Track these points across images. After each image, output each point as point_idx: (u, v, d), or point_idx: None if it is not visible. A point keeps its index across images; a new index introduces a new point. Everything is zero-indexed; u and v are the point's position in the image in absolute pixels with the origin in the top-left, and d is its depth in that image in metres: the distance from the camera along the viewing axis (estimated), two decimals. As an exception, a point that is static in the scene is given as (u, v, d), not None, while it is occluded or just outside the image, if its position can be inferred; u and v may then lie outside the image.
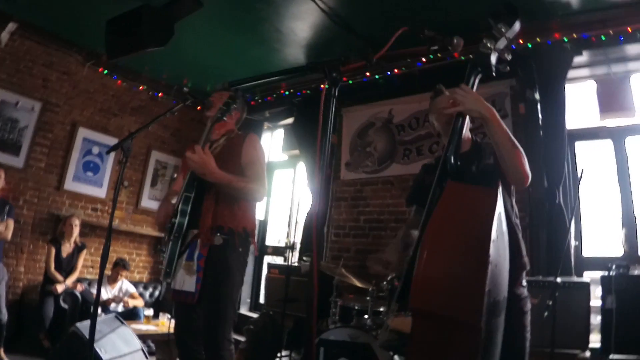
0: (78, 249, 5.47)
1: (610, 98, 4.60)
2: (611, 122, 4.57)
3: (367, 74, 5.54)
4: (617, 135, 4.55)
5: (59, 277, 5.15)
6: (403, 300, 1.90)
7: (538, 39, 4.56)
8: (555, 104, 4.40)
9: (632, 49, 4.37)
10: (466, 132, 2.31)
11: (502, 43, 2.02)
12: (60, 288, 5.08)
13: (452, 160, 1.92)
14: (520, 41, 4.64)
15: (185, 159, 3.03)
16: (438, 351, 1.56)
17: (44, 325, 4.90)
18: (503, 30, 2.02)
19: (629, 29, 4.13)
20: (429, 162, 2.60)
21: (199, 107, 7.16)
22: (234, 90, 3.04)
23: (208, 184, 2.67)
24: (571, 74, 4.55)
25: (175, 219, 2.65)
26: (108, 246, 2.50)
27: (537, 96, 4.54)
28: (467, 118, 2.10)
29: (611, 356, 3.23)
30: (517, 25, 2.04)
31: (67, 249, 5.36)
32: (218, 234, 2.64)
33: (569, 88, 4.54)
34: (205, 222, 2.66)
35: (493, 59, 2.01)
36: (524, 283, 2.22)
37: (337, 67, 1.72)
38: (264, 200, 6.28)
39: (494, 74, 2.04)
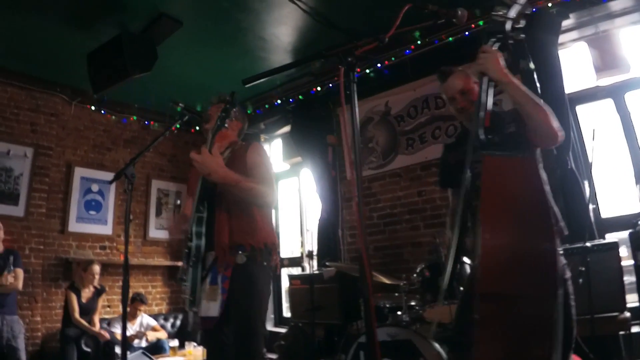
0: (98, 293, 5.33)
1: (603, 57, 4.53)
2: (608, 80, 4.51)
3: (358, 69, 5.47)
4: (616, 93, 4.49)
5: (86, 324, 5.03)
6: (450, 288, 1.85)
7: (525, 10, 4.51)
8: (551, 71, 4.33)
9: (616, 4, 4.32)
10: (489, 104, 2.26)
11: (514, 10, 2.07)
12: (106, 334, 5.00)
13: (482, 135, 1.89)
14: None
15: (191, 175, 2.94)
16: (513, 332, 1.45)
17: None
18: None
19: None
20: (449, 142, 2.66)
21: (192, 130, 7.09)
22: (229, 100, 2.95)
23: (218, 200, 2.56)
24: (561, 38, 4.49)
25: (191, 242, 2.53)
26: (127, 280, 2.41)
27: (531, 65, 4.46)
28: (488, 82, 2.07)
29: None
30: None
31: (86, 294, 5.22)
32: (240, 252, 2.51)
33: (561, 53, 4.47)
34: (221, 240, 2.54)
35: (508, 26, 2.05)
36: (561, 250, 2.16)
37: (352, 52, 1.70)
38: (273, 212, 6.21)
39: (510, 41, 2.07)
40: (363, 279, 1.46)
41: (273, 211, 2.93)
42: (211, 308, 2.50)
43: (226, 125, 2.63)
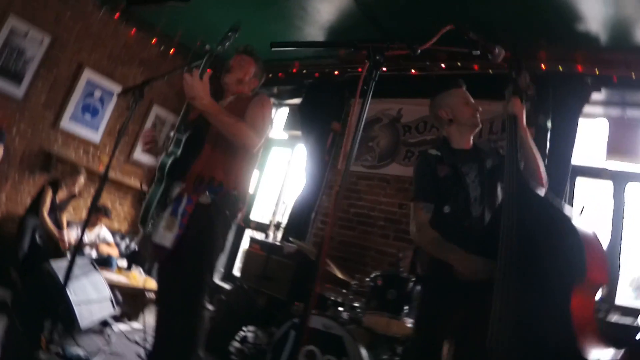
0: (72, 197, 5.43)
1: (620, 140, 4.57)
2: (615, 165, 4.54)
3: (384, 69, 5.48)
4: (619, 179, 4.51)
5: (54, 228, 5.09)
6: None
7: (560, 67, 4.55)
8: (565, 137, 4.37)
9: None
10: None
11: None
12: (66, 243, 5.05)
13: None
14: (543, 66, 4.63)
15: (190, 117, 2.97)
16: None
17: (17, 259, 4.82)
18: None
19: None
20: (432, 153, 2.61)
21: (208, 70, 7.06)
22: (256, 58, 2.98)
23: (205, 129, 2.56)
24: (586, 108, 4.52)
25: (163, 158, 2.55)
26: (100, 192, 2.46)
27: (549, 124, 4.51)
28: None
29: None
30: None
31: (61, 195, 5.30)
32: (207, 192, 2.51)
33: (582, 122, 4.50)
34: (195, 168, 2.55)
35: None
36: None
37: (382, 51, 1.75)
38: (256, 173, 6.24)
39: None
40: (317, 262, 1.53)
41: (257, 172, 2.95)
42: (165, 237, 2.51)
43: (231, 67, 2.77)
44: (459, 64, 5.09)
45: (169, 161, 2.54)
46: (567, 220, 1.93)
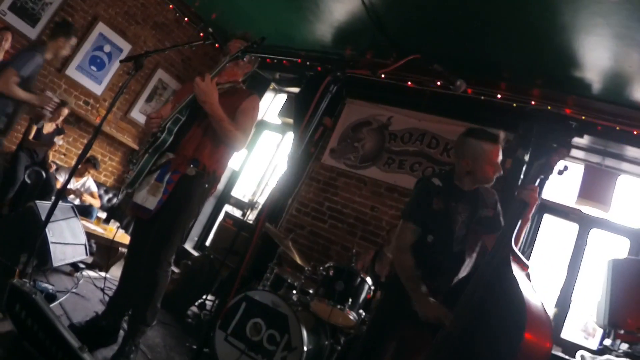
0: (58, 131, 5.58)
1: (593, 187, 4.80)
2: (584, 209, 4.78)
3: (383, 76, 5.69)
4: (585, 223, 4.78)
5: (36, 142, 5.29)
6: None
7: (549, 107, 4.77)
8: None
9: (631, 151, 4.62)
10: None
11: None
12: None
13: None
14: (533, 102, 4.85)
15: (184, 87, 3.19)
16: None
17: (6, 193, 5.03)
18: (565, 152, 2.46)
19: (635, 132, 4.35)
20: (436, 182, 2.65)
21: (216, 45, 7.27)
22: (258, 42, 3.18)
23: (202, 115, 2.79)
24: (566, 150, 4.75)
25: (161, 134, 2.77)
26: (92, 143, 2.69)
27: (526, 158, 4.73)
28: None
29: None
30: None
31: (48, 128, 5.47)
32: (192, 166, 2.80)
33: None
34: (186, 149, 2.80)
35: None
36: None
37: (344, 69, 1.92)
38: (244, 152, 6.46)
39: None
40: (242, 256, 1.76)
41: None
42: (149, 200, 2.78)
43: (245, 59, 2.89)
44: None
45: (169, 140, 2.79)
46: (522, 304, 2.03)
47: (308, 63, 6.50)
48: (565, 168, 2.31)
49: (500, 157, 2.60)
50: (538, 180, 2.34)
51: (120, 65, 6.49)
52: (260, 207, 6.04)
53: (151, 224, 2.81)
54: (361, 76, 5.58)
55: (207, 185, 2.91)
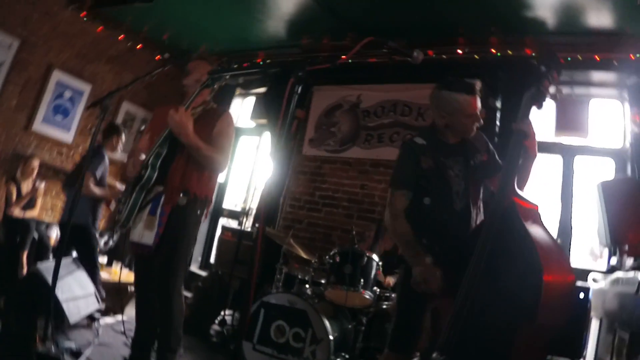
0: (34, 184, 5.56)
1: (568, 117, 4.88)
2: (565, 139, 4.89)
3: (343, 57, 5.67)
4: (568, 153, 4.89)
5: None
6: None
7: (509, 52, 4.85)
8: (514, 115, 4.68)
9: (597, 75, 4.71)
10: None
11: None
12: (16, 212, 5.19)
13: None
14: (493, 50, 4.92)
15: (157, 115, 3.21)
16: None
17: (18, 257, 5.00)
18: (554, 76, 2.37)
19: (597, 58, 4.43)
20: (419, 142, 2.55)
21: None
22: (211, 61, 3.21)
23: (181, 146, 2.83)
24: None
25: (145, 171, 2.81)
26: (79, 195, 2.71)
27: (498, 105, 4.82)
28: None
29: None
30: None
31: (26, 188, 5.44)
32: (182, 196, 2.85)
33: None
34: (173, 181, 2.84)
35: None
36: None
37: (304, 68, 1.96)
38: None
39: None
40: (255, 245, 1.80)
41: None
42: (145, 235, 2.82)
43: (215, 86, 2.92)
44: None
45: (155, 175, 2.83)
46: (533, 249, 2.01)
47: (269, 61, 6.53)
48: (559, 92, 2.31)
49: (478, 107, 2.48)
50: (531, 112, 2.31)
51: (85, 107, 6.43)
52: (254, 212, 6.07)
53: (153, 258, 2.86)
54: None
55: (199, 212, 2.97)
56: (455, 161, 2.50)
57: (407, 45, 2.36)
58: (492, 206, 2.20)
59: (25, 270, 4.94)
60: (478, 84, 2.52)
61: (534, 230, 2.07)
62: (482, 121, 2.54)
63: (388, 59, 5.41)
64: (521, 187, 2.29)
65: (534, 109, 2.34)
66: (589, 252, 4.89)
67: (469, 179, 2.49)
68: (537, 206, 2.23)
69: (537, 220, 2.17)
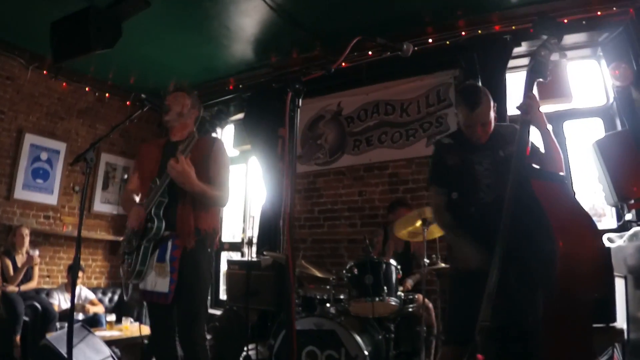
0: (29, 254, 5.35)
1: (549, 85, 4.81)
2: (550, 107, 4.87)
3: (337, 61, 5.57)
4: (556, 120, 4.85)
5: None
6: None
7: (479, 32, 4.87)
8: (497, 93, 4.65)
9: (568, 38, 4.68)
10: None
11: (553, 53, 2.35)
12: (10, 289, 4.98)
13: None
14: (463, 33, 4.92)
15: (143, 153, 3.09)
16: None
17: (14, 333, 4.77)
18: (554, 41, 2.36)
19: (565, 21, 4.40)
20: (445, 141, 2.73)
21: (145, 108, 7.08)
22: (188, 91, 3.10)
23: (182, 191, 2.73)
24: (511, 63, 4.83)
25: (152, 223, 2.71)
26: (78, 257, 2.58)
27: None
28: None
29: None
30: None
31: (20, 259, 5.25)
32: (193, 236, 2.75)
33: (509, 77, 4.81)
34: (184, 226, 2.74)
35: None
36: None
37: (300, 79, 1.88)
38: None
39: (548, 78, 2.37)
40: (286, 275, 1.70)
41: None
42: (159, 283, 2.70)
43: (217, 131, 2.81)
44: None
45: (162, 225, 2.72)
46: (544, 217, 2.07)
47: (240, 86, 6.46)
48: (564, 55, 2.36)
49: (479, 119, 2.49)
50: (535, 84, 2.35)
51: (65, 166, 6.29)
52: (255, 240, 5.93)
53: (170, 305, 2.73)
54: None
55: (209, 249, 2.88)
56: (484, 155, 2.57)
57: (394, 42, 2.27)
58: (508, 189, 2.21)
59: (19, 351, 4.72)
60: (482, 95, 2.51)
61: (553, 207, 2.11)
62: (491, 124, 2.55)
63: (358, 61, 5.35)
64: (557, 167, 2.39)
65: (538, 82, 2.37)
66: (591, 212, 4.85)
67: (499, 172, 2.49)
68: (559, 181, 2.28)
69: (559, 195, 2.21)
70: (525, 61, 5.06)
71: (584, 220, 2.11)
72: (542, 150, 2.48)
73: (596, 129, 4.73)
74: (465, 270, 2.42)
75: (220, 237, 3.02)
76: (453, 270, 2.75)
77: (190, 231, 2.74)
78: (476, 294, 2.38)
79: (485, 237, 2.26)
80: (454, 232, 2.56)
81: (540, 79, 2.35)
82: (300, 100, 1.87)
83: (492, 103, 2.53)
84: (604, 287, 2.00)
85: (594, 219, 4.70)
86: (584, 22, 4.49)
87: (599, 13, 4.43)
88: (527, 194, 2.15)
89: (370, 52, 5.33)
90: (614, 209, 4.51)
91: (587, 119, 4.89)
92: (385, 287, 3.48)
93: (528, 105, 2.31)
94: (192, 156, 2.75)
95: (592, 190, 4.67)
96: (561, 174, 2.41)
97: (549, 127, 2.42)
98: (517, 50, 4.82)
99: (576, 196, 2.21)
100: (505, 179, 2.37)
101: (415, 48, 5.19)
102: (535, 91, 2.37)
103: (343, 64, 5.39)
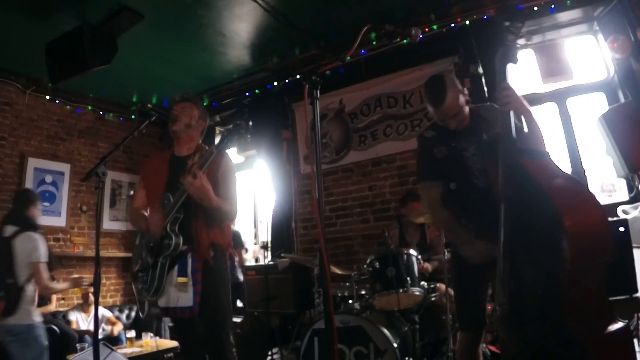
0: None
1: (549, 64, 4.88)
2: (552, 86, 4.87)
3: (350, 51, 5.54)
4: (559, 98, 4.86)
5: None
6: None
7: (475, 16, 4.83)
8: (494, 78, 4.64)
9: (563, 16, 4.68)
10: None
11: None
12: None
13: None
14: (459, 19, 4.89)
15: (149, 167, 3.06)
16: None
17: None
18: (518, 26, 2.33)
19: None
20: (428, 135, 2.69)
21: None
22: (195, 101, 3.07)
23: (194, 205, 2.71)
24: (510, 45, 4.80)
25: (169, 240, 2.68)
26: (98, 273, 2.54)
27: (480, 70, 4.77)
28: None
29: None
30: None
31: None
32: (211, 250, 2.75)
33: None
34: (201, 240, 2.73)
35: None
36: None
37: (315, 72, 1.86)
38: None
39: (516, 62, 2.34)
40: (322, 270, 1.68)
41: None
42: (182, 298, 2.68)
43: (228, 150, 2.82)
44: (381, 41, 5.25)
45: (180, 241, 2.70)
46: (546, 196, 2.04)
47: (240, 92, 6.42)
48: (529, 39, 2.34)
49: (452, 110, 2.47)
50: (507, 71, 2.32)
51: (71, 187, 6.26)
52: (269, 244, 5.89)
53: (195, 319, 2.73)
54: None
55: (228, 262, 2.92)
56: (468, 142, 2.55)
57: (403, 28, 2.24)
58: (500, 174, 2.22)
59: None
60: (446, 87, 2.46)
61: (549, 182, 2.09)
62: (463, 111, 2.51)
63: (357, 56, 5.33)
64: (540, 144, 2.37)
65: (510, 66, 2.35)
66: (600, 188, 4.83)
67: (487, 155, 2.47)
68: (546, 156, 2.27)
69: (550, 170, 2.17)
70: (523, 40, 5.03)
71: (579, 187, 2.15)
72: (526, 129, 2.44)
73: (600, 103, 4.70)
74: (473, 264, 2.44)
75: (231, 247, 3.01)
76: (457, 261, 2.69)
77: (205, 246, 2.74)
78: (481, 281, 2.54)
79: (491, 220, 2.24)
80: (455, 229, 2.56)
81: (512, 63, 2.34)
82: (317, 92, 1.85)
83: (459, 89, 2.48)
84: (614, 252, 1.97)
85: (604, 194, 4.76)
86: (578, -3, 4.47)
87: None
88: (520, 175, 2.15)
89: (368, 47, 5.30)
90: (624, 183, 4.50)
91: (590, 94, 4.86)
92: (408, 278, 3.45)
93: (506, 97, 2.29)
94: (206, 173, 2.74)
95: (600, 167, 4.65)
96: (545, 150, 2.38)
97: (529, 107, 2.40)
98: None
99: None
100: (493, 162, 2.35)
101: (404, 41, 5.23)
102: (509, 78, 2.33)
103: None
